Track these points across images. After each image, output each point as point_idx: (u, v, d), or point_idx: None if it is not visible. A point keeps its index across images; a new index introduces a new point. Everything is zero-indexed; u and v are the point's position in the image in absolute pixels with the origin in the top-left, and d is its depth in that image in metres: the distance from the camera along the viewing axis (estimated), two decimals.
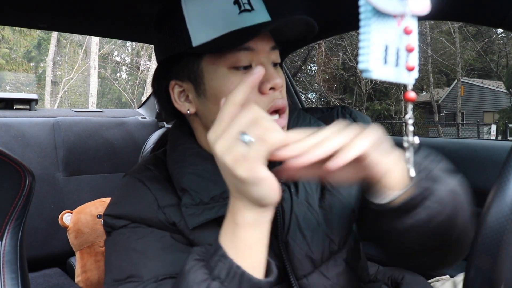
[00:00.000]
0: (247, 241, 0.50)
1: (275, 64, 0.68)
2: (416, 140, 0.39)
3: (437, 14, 0.96)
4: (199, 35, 0.65)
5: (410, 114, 0.40)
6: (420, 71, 0.49)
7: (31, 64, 18.28)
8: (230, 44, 0.62)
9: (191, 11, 0.65)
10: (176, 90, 0.70)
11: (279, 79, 0.64)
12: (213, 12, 0.64)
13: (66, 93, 16.51)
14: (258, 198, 0.47)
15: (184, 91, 0.69)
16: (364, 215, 0.61)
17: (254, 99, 0.63)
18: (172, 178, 0.68)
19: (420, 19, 0.39)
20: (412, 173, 0.39)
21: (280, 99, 0.66)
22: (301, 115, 0.75)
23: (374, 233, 0.62)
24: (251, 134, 0.45)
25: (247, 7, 0.64)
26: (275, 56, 0.68)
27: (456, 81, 16.22)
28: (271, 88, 0.64)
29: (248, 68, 0.65)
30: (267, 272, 0.53)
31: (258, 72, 0.47)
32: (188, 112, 0.69)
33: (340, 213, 0.70)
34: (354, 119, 0.79)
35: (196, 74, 0.66)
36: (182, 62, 0.67)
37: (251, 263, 0.50)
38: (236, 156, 0.45)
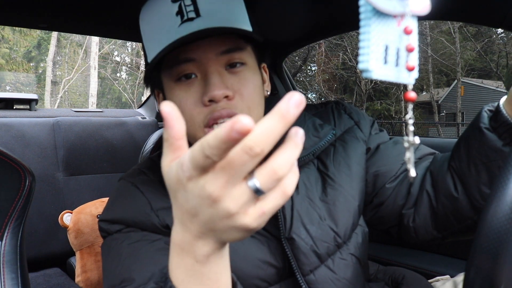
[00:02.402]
0: (212, 275, 0.40)
1: (233, 65, 0.64)
2: (417, 140, 0.39)
3: (437, 14, 0.96)
4: (150, 51, 0.65)
5: (410, 114, 0.40)
6: (420, 71, 0.49)
7: (31, 64, 18.28)
8: (159, 58, 0.60)
9: (144, 27, 0.66)
10: (160, 96, 0.73)
11: (217, 91, 0.60)
12: (158, 27, 0.63)
13: (66, 93, 16.52)
14: (233, 241, 0.37)
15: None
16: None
17: (196, 111, 0.62)
18: None
19: (420, 19, 0.39)
20: (413, 173, 0.39)
21: (223, 109, 0.61)
22: None
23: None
24: (261, 181, 0.32)
25: (191, 15, 0.61)
26: (231, 58, 0.64)
27: (456, 81, 16.22)
28: (211, 100, 0.61)
29: (190, 76, 0.63)
30: None
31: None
32: None
33: (344, 206, 0.71)
34: (349, 114, 0.80)
35: (161, 86, 0.68)
36: (153, 74, 0.69)
37: None
38: (247, 208, 0.34)
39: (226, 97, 0.62)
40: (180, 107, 0.63)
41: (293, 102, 0.30)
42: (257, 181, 0.32)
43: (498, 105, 0.61)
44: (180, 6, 0.61)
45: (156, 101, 0.75)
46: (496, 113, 0.61)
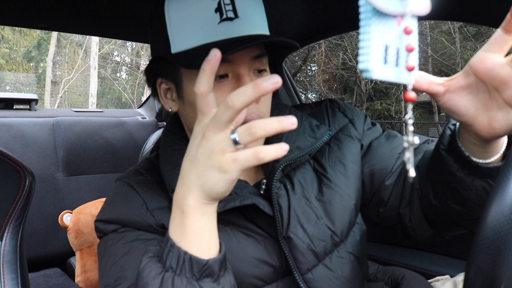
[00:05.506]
0: (194, 229, 0.50)
1: (260, 71, 0.66)
2: (416, 140, 0.39)
3: (437, 14, 0.96)
4: (178, 42, 0.64)
5: (410, 114, 0.40)
6: (420, 71, 0.49)
7: (31, 64, 18.26)
8: (202, 59, 0.60)
9: (172, 18, 0.64)
10: (162, 87, 0.72)
11: None
12: (193, 20, 0.63)
13: (66, 93, 16.51)
14: (215, 192, 0.47)
15: (170, 89, 0.71)
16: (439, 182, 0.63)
17: None
18: (164, 181, 0.68)
19: (420, 19, 0.39)
20: (412, 173, 0.39)
21: (253, 113, 0.64)
22: (292, 113, 0.76)
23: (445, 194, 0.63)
24: (238, 133, 0.44)
25: (230, 14, 0.62)
26: (259, 64, 0.66)
27: None
28: None
29: (224, 77, 0.63)
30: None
31: (213, 58, 0.45)
32: (170, 110, 0.71)
33: (340, 205, 0.71)
34: (343, 112, 0.80)
35: (177, 77, 0.68)
36: (166, 63, 0.68)
37: (200, 248, 0.50)
38: (225, 151, 0.45)
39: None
40: None
41: (270, 79, 0.41)
42: (236, 133, 0.44)
43: (455, 129, 0.60)
44: (219, 4, 0.62)
45: (155, 93, 0.74)
46: (453, 136, 0.59)
